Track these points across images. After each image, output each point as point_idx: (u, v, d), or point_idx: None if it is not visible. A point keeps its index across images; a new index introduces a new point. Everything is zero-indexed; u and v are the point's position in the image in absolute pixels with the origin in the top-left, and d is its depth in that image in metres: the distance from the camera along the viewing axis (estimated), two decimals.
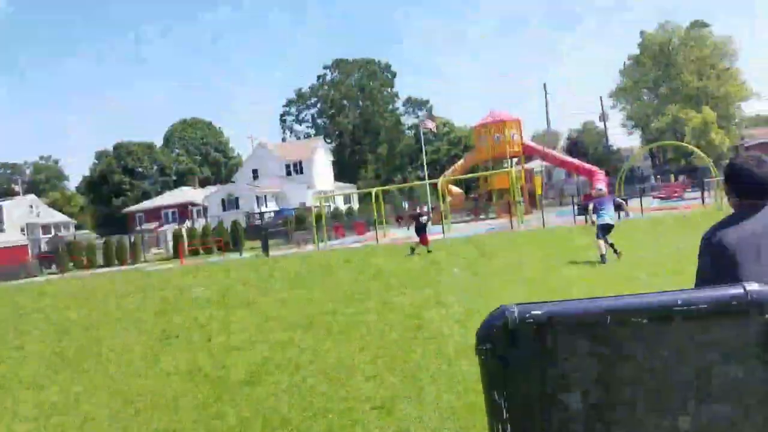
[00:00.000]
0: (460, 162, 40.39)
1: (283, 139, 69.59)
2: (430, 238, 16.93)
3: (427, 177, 49.26)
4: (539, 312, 1.22)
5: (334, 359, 5.82)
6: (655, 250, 11.10)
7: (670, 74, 58.61)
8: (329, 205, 49.87)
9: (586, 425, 1.24)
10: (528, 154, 37.49)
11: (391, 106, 76.58)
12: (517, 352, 1.23)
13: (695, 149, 28.78)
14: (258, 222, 44.77)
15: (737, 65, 58.74)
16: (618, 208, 11.79)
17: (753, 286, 1.20)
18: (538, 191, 35.47)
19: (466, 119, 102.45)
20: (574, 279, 8.95)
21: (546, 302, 1.24)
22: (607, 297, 1.25)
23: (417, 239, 16.57)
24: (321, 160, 57.47)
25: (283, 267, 17.72)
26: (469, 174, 38.83)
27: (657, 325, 1.21)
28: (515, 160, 37.02)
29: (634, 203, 23.40)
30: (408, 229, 17.03)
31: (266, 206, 50.19)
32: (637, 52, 63.68)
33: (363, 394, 4.67)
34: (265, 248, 25.45)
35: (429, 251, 15.88)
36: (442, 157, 70.29)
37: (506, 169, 32.92)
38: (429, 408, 4.21)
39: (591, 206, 12.14)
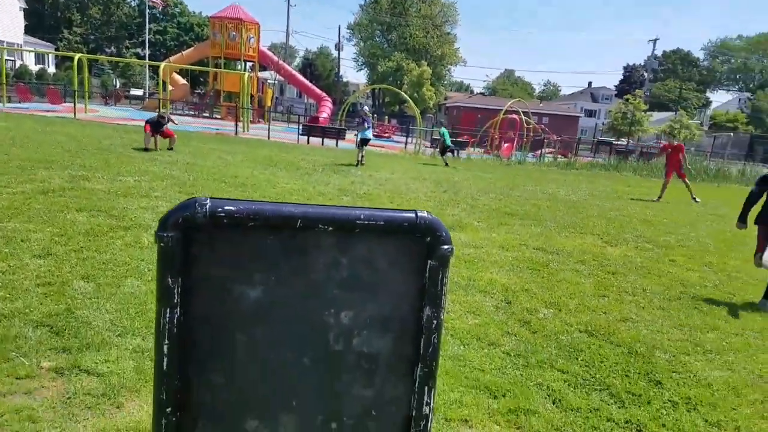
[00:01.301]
0: (189, 51, 37.22)
1: None
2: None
3: (147, 57, 44.06)
4: (233, 208, 1.24)
5: None
6: (356, 175, 12.49)
7: (401, 22, 64.02)
8: (13, 61, 40.59)
9: (259, 315, 1.32)
10: (263, 63, 36.69)
11: None
12: (203, 242, 1.24)
13: (408, 99, 32.59)
14: None
15: (455, 32, 67.88)
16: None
17: (423, 214, 1.35)
18: (268, 103, 35.43)
19: (202, 7, 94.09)
20: (285, 190, 9.31)
21: (242, 200, 1.26)
22: (303, 204, 1.31)
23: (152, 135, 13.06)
24: (8, 2, 45.42)
25: None
26: (197, 66, 36.24)
27: (341, 234, 1.32)
28: (249, 65, 35.96)
29: (351, 135, 25.54)
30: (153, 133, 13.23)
31: None
32: None
33: (32, 271, 4.22)
34: None
35: (170, 148, 13.04)
36: (168, 40, 63.29)
37: (239, 71, 31.85)
38: (107, 290, 4.01)
39: (359, 121, 15.29)
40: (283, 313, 1.33)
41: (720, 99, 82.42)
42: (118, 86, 49.63)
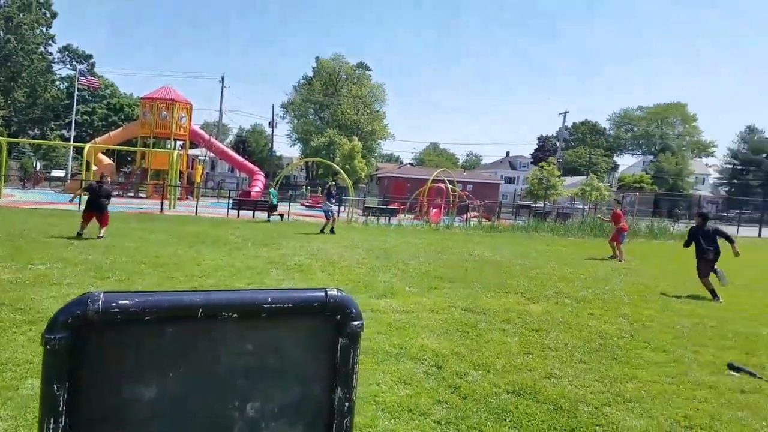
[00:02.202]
0: (118, 131, 36.78)
1: None
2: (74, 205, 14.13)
3: (73, 138, 42.98)
4: (127, 302, 1.16)
5: None
6: (282, 246, 12.42)
7: (333, 102, 66.69)
8: None
9: (156, 415, 1.22)
10: (194, 141, 36.80)
11: (42, 49, 63.66)
12: (94, 342, 1.16)
13: (340, 170, 33.27)
14: None
15: (385, 109, 71.40)
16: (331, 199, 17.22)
17: (332, 291, 1.33)
18: (198, 179, 35.12)
19: (133, 88, 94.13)
20: (210, 267, 9.07)
21: (137, 292, 1.20)
22: (203, 291, 1.27)
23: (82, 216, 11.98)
24: None
25: None
26: (124, 147, 35.76)
27: (247, 320, 1.26)
28: (179, 143, 35.83)
29: (283, 207, 25.59)
30: (72, 200, 13.26)
31: None
32: (311, 74, 70.52)
33: None
34: None
35: (100, 237, 11.48)
36: (96, 120, 62.07)
37: (167, 150, 31.65)
38: (4, 393, 3.74)
39: (327, 195, 17.40)
40: (183, 411, 1.25)
41: (626, 162, 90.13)
42: (38, 168, 47.62)
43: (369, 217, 25.05)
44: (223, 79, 55.13)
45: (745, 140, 75.36)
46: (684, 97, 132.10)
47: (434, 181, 30.10)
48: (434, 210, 28.13)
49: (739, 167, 72.05)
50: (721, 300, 8.46)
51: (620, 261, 13.41)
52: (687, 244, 9.37)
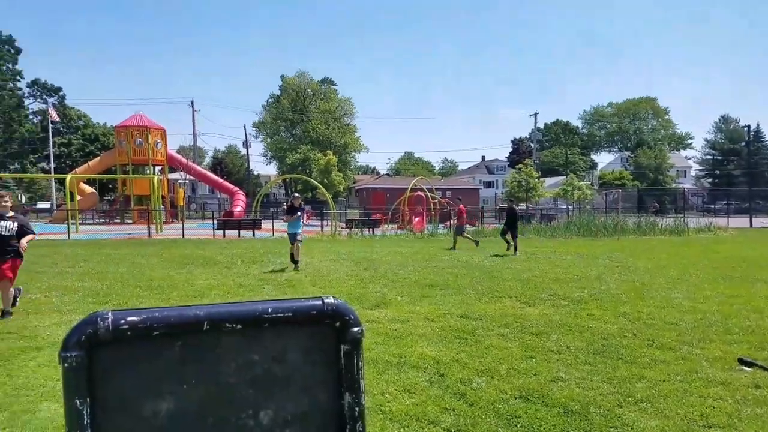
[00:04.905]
0: (96, 160, 36.83)
1: None
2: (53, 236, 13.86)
3: (53, 170, 42.81)
4: (135, 318, 1.21)
5: None
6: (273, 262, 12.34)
7: (303, 118, 66.86)
8: None
9: (174, 428, 1.25)
10: (172, 165, 36.96)
11: (11, 85, 62.69)
12: (108, 358, 1.20)
13: (319, 185, 33.29)
14: None
15: (355, 122, 71.63)
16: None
17: (329, 300, 1.35)
18: (180, 202, 35.00)
19: (107, 118, 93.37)
20: (203, 287, 9.01)
21: (143, 309, 1.24)
22: (206, 305, 1.31)
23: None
24: None
25: None
26: (104, 175, 35.60)
27: (250, 331, 1.29)
28: (158, 168, 35.73)
29: (267, 224, 25.51)
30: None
31: None
32: (278, 92, 70.62)
33: None
34: None
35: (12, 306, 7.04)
36: (74, 151, 61.54)
37: (148, 176, 31.60)
38: (22, 417, 3.81)
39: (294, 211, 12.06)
40: (199, 422, 1.28)
41: (604, 160, 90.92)
42: (23, 201, 47.16)
43: (352, 229, 25.05)
44: (192, 102, 55.13)
45: (721, 130, 76.32)
46: (652, 91, 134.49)
47: (413, 189, 30.19)
48: (417, 218, 28.18)
49: (719, 158, 72.93)
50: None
51: (455, 249, 16.16)
52: (507, 225, 16.03)
